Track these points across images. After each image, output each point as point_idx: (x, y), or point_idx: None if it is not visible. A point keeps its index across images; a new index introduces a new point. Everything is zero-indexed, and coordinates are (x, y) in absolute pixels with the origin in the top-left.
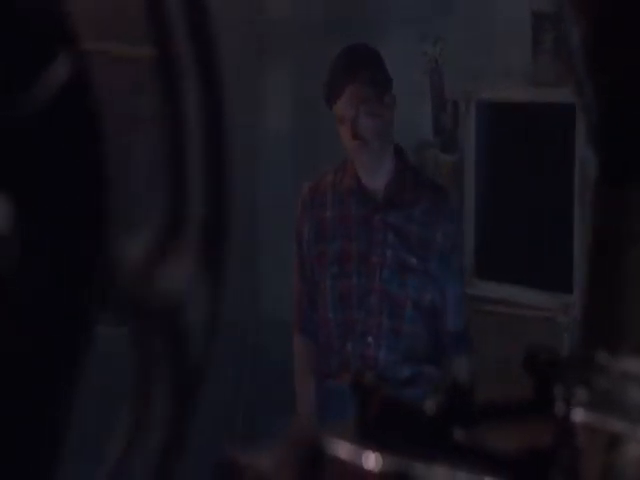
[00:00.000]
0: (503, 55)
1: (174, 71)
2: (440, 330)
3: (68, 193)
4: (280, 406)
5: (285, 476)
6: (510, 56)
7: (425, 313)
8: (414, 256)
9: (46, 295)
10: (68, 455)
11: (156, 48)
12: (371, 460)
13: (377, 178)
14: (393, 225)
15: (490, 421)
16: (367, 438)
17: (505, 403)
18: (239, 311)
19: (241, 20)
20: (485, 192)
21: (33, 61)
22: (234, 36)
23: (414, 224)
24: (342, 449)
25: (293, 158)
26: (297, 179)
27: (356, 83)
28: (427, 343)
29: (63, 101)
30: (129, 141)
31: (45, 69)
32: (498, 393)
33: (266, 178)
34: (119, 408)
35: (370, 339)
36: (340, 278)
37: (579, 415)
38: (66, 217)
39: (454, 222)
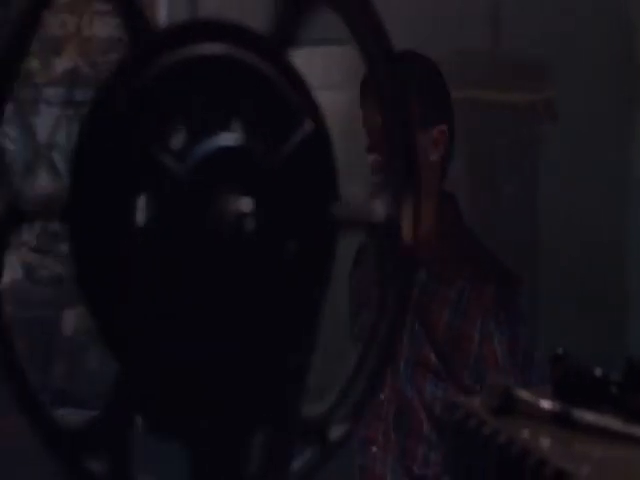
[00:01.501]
0: None
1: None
2: None
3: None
4: None
5: (487, 411)
6: None
7: None
8: (437, 354)
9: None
10: None
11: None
12: (546, 403)
13: None
14: (415, 304)
15: None
16: (555, 392)
17: None
18: None
19: (610, 68)
20: None
21: (285, 122)
22: (604, 84)
23: (447, 309)
24: (526, 395)
25: None
26: None
27: None
28: None
29: (304, 150)
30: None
31: (295, 128)
32: None
33: (634, 226)
34: None
35: (376, 452)
36: None
37: None
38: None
39: (521, 325)
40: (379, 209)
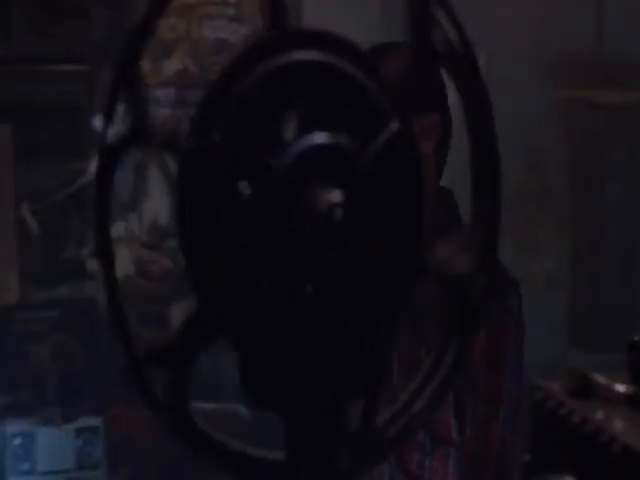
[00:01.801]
0: None
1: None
2: None
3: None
4: None
5: (565, 393)
6: None
7: None
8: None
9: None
10: None
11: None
12: (621, 387)
13: None
14: None
15: None
16: (631, 377)
17: None
18: None
19: None
20: None
21: (374, 123)
22: None
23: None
24: (602, 379)
25: None
26: None
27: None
28: None
29: (390, 147)
30: None
31: (382, 128)
32: None
33: None
34: None
35: None
36: None
37: None
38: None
39: (509, 324)
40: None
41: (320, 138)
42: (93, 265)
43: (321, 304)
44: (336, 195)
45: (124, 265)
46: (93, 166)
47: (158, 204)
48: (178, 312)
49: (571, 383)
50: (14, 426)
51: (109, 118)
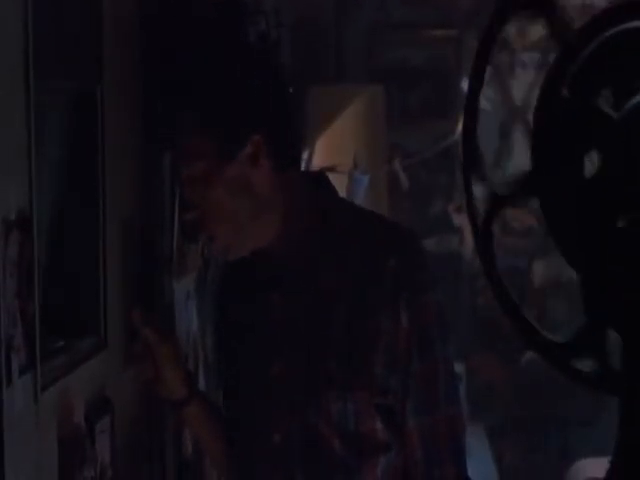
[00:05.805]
0: None
1: None
2: None
3: None
4: None
5: None
6: None
7: None
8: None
9: None
10: None
11: None
12: None
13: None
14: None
15: None
16: None
17: None
18: None
19: None
20: None
21: None
22: None
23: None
24: None
25: None
26: None
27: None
28: None
29: None
30: None
31: None
32: None
33: None
34: None
35: None
36: None
37: None
38: None
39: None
40: None
41: None
42: (459, 220)
43: None
44: None
45: None
46: (460, 127)
47: (522, 164)
48: (539, 268)
49: None
50: None
51: (475, 81)
